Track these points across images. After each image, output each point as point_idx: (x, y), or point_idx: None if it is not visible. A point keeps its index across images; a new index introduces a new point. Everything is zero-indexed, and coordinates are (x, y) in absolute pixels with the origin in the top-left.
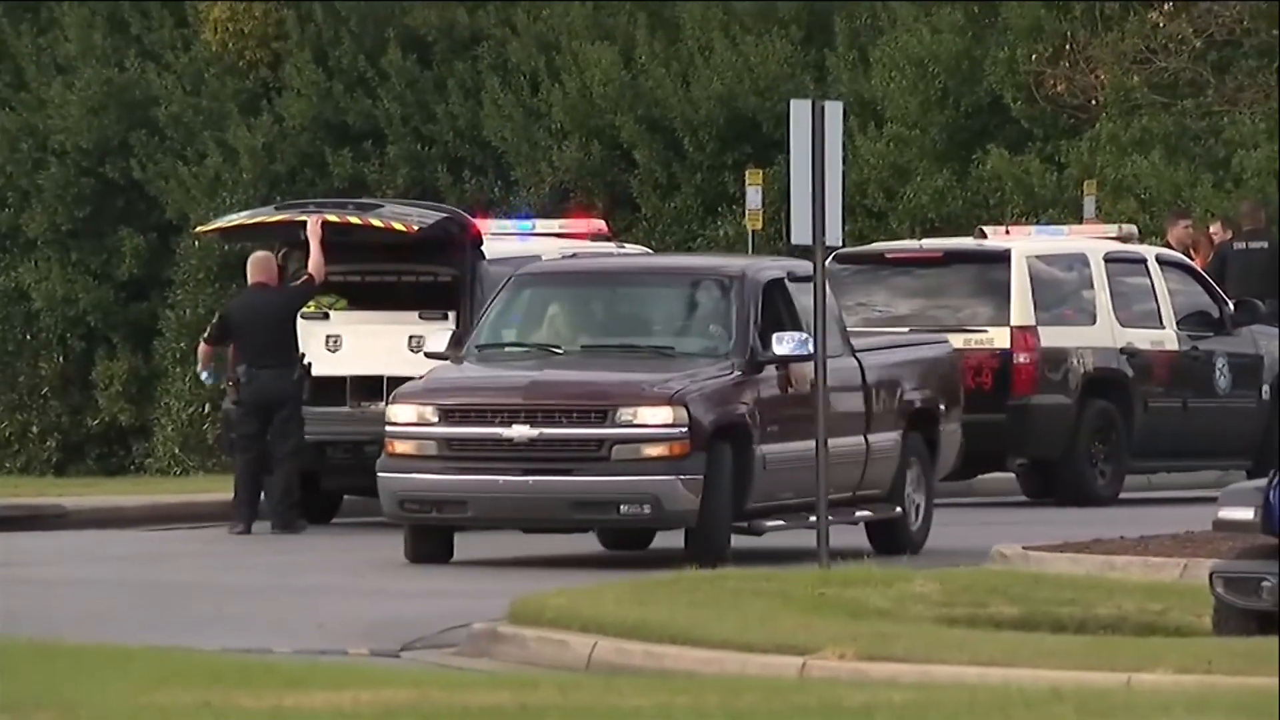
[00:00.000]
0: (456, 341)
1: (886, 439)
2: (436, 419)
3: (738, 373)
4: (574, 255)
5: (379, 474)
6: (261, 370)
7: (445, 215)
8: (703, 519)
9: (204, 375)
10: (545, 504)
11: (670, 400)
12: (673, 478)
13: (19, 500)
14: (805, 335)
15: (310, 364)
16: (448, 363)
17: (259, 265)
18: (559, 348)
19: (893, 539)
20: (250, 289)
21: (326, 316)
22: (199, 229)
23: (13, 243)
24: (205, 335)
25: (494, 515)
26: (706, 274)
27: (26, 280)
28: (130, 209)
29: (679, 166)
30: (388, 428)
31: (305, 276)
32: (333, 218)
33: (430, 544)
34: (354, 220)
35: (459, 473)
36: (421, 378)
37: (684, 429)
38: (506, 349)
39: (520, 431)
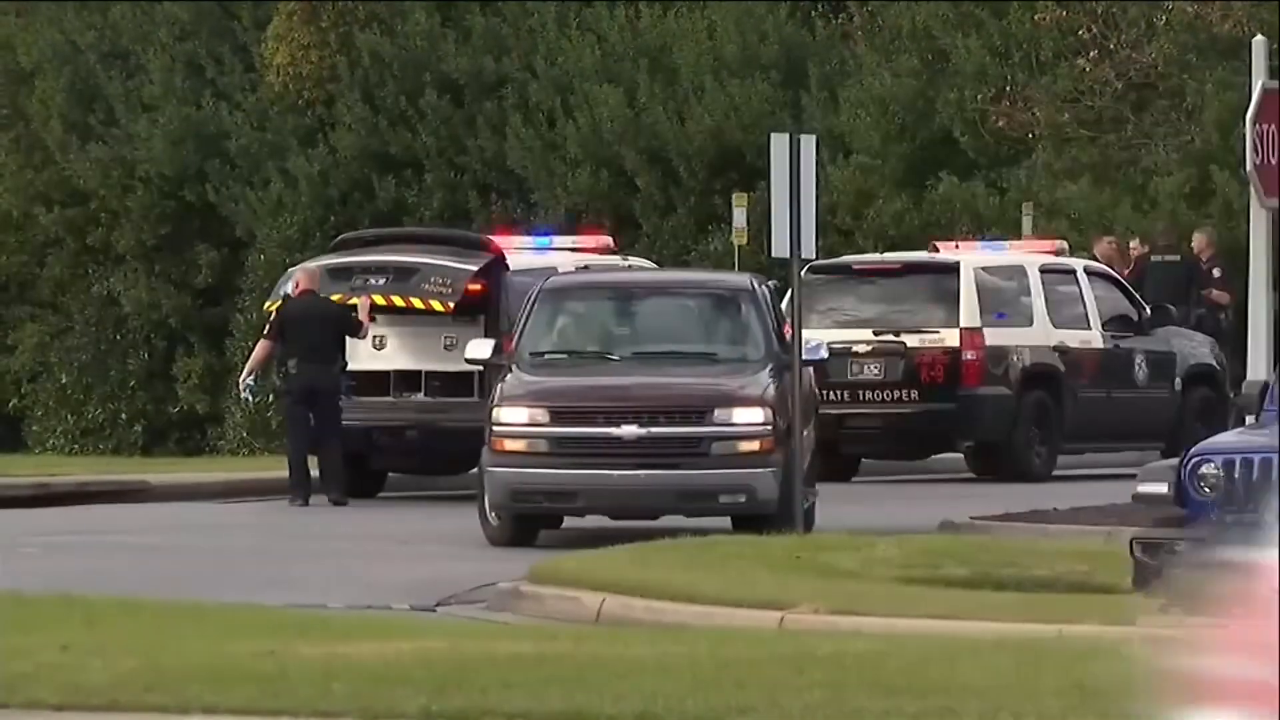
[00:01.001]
0: (498, 349)
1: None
2: (547, 419)
3: (777, 376)
4: (586, 267)
5: (487, 469)
6: (308, 365)
7: (475, 266)
8: (781, 503)
9: (246, 386)
10: (653, 495)
11: (760, 402)
12: (766, 470)
13: (110, 477)
14: (822, 341)
15: (346, 364)
16: (516, 369)
17: (307, 275)
18: (613, 354)
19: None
20: (301, 295)
21: (374, 320)
22: (267, 305)
23: (105, 256)
24: (265, 332)
25: (603, 505)
26: (722, 287)
27: (117, 289)
28: (205, 228)
29: (675, 191)
30: (497, 427)
31: (360, 325)
32: (379, 299)
33: (523, 532)
34: (398, 301)
35: (571, 467)
36: (512, 382)
37: (770, 426)
38: (560, 356)
39: (630, 430)
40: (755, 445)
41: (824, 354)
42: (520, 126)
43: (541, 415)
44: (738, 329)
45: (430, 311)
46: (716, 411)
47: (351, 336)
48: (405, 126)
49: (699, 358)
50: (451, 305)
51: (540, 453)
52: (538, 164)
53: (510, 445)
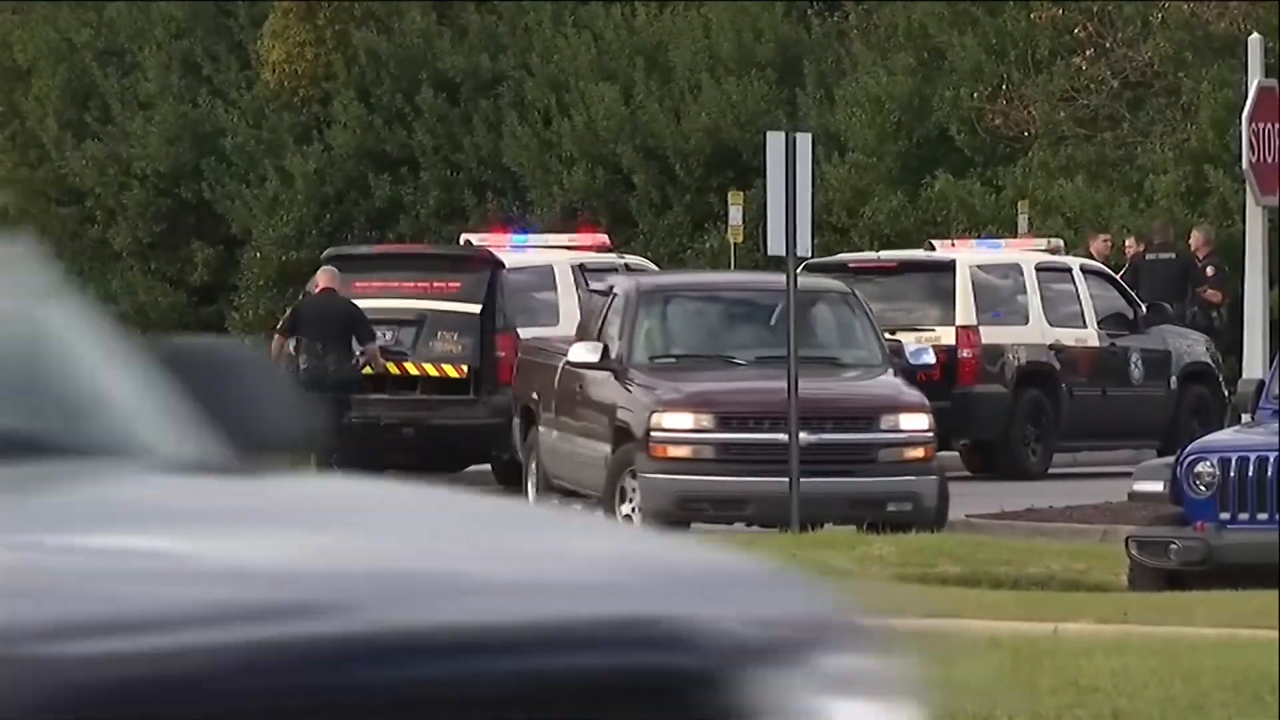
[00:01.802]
0: (605, 353)
1: None
2: (713, 425)
3: (909, 379)
4: (581, 265)
5: (647, 475)
6: (321, 359)
7: (476, 306)
8: (939, 509)
9: None
10: (824, 503)
11: (923, 408)
12: (929, 477)
13: None
14: (927, 345)
15: (359, 361)
16: (637, 372)
17: (328, 274)
18: (738, 358)
19: None
20: (320, 293)
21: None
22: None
23: (101, 254)
24: (279, 327)
25: (773, 513)
26: (827, 291)
27: (114, 286)
28: (201, 225)
29: (671, 189)
30: (658, 433)
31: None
32: (393, 369)
33: None
34: (411, 370)
35: (739, 474)
36: (666, 387)
37: (932, 433)
38: (681, 359)
39: (801, 437)
40: (920, 452)
41: (930, 359)
42: (516, 124)
43: (707, 421)
44: (849, 333)
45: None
46: (884, 418)
47: (360, 342)
48: (401, 124)
49: (823, 362)
50: (466, 369)
51: (706, 459)
52: (533, 162)
53: (674, 451)
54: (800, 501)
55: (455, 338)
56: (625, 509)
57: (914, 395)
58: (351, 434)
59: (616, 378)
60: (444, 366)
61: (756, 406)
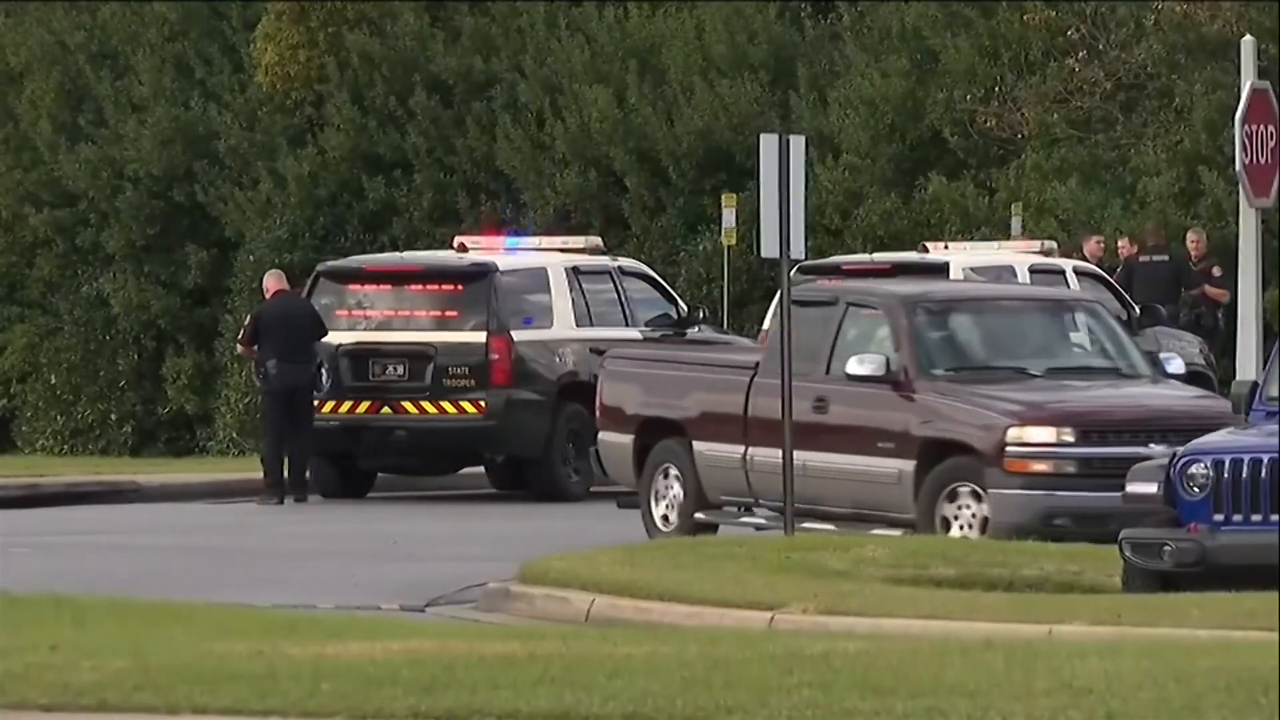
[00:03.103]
0: (888, 365)
1: None
2: (1074, 439)
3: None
4: (575, 268)
5: (1001, 490)
6: (288, 364)
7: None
8: None
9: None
10: None
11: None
12: None
13: (100, 477)
14: (1176, 355)
15: (322, 363)
16: (925, 382)
17: (275, 278)
18: (1031, 369)
19: None
20: (275, 298)
21: None
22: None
23: (94, 257)
24: (240, 337)
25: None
26: (1078, 300)
27: (106, 289)
28: (194, 228)
29: (664, 191)
30: (1017, 448)
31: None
32: (410, 408)
33: None
34: (429, 409)
35: (1104, 489)
36: (1025, 400)
37: None
38: (980, 371)
39: (1159, 450)
40: None
41: (1179, 368)
42: (509, 127)
43: (1069, 435)
44: (1117, 343)
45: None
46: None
47: (323, 338)
48: (394, 127)
49: (1108, 372)
50: (484, 406)
51: (1067, 474)
52: (527, 164)
53: (1036, 466)
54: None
55: (466, 372)
56: (955, 530)
57: (1225, 406)
58: (340, 439)
59: (902, 391)
60: (461, 403)
61: (1116, 420)
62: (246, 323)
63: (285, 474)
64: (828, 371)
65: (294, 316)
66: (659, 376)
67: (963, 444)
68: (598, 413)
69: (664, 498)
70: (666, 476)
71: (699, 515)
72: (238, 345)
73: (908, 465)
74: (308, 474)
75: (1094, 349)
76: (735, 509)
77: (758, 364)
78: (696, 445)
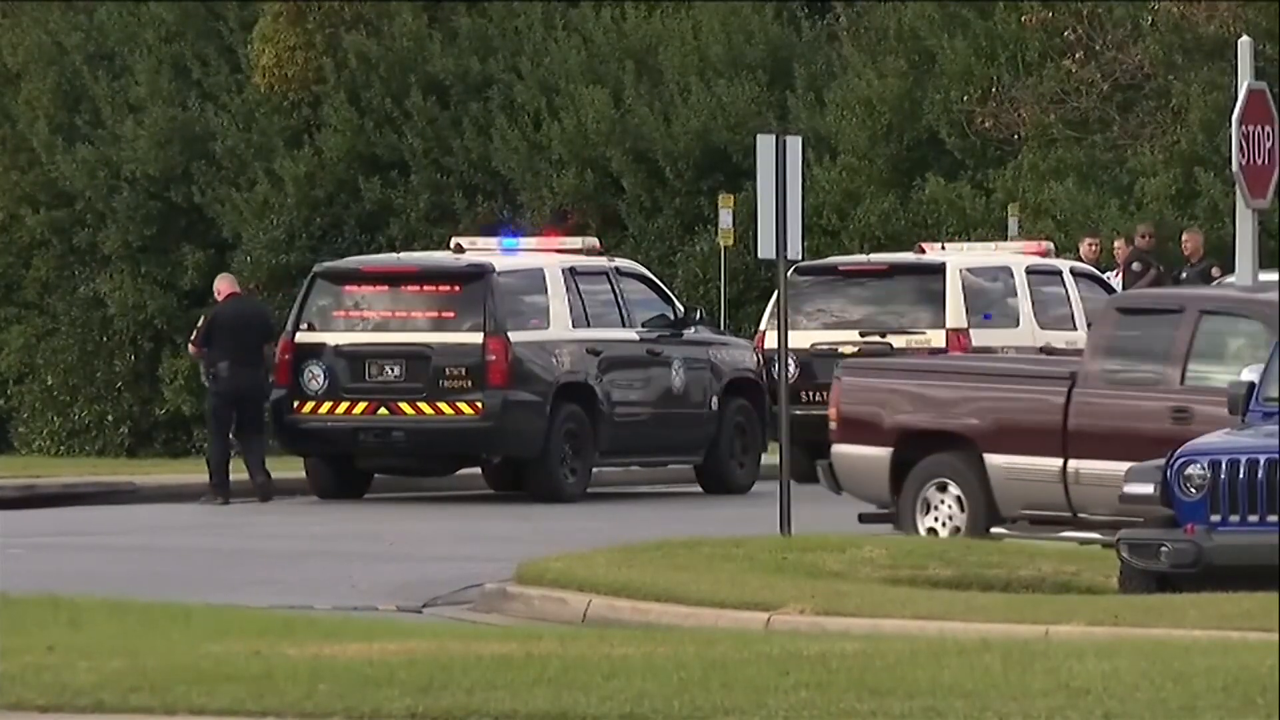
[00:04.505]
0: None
1: None
2: None
3: None
4: (572, 268)
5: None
6: (239, 367)
7: (478, 336)
8: None
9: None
10: None
11: None
12: None
13: (97, 478)
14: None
15: (271, 367)
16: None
17: (227, 281)
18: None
19: None
20: (228, 300)
21: None
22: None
23: (91, 257)
24: (193, 339)
25: None
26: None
27: (103, 290)
28: (191, 228)
29: (661, 192)
30: None
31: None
32: (408, 409)
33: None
34: (426, 410)
35: None
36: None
37: None
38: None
39: None
40: None
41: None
42: (506, 127)
43: None
44: None
45: (458, 414)
46: None
47: (271, 343)
48: (391, 128)
49: None
50: (481, 407)
51: None
52: (523, 165)
53: None
54: None
55: (463, 373)
56: None
57: None
58: (337, 440)
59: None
60: (458, 404)
61: None
62: (199, 324)
63: (229, 477)
64: (1182, 381)
65: (247, 319)
66: (928, 387)
67: None
68: (833, 424)
69: (933, 511)
70: (943, 491)
71: (997, 530)
72: (189, 346)
73: None
74: (270, 475)
75: None
76: (1027, 523)
77: (1073, 374)
78: (990, 458)
